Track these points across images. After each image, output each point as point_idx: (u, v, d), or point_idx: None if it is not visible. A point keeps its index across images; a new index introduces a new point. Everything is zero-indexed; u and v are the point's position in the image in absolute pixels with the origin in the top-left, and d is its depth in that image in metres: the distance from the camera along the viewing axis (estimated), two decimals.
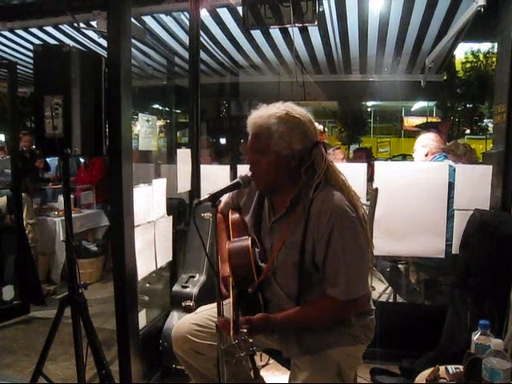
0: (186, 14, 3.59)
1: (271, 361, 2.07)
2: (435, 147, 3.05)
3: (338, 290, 1.38)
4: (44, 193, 5.00)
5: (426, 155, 3.07)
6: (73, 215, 2.10)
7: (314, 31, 4.41)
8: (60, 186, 4.54)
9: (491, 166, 2.50)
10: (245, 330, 1.33)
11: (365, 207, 2.16)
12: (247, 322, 1.38)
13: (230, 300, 1.48)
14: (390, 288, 3.37)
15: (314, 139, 1.46)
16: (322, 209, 1.39)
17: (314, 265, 1.43)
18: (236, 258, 1.50)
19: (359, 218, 1.41)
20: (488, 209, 2.46)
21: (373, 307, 1.60)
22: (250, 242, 1.52)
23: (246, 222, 1.65)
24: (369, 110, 18.35)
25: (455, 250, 2.51)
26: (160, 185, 2.54)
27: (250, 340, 1.32)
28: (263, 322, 1.42)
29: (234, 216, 1.68)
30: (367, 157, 5.07)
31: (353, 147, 15.77)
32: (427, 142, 3.08)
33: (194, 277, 2.52)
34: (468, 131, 13.86)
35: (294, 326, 1.48)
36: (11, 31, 4.31)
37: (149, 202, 2.38)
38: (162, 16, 3.97)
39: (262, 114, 1.46)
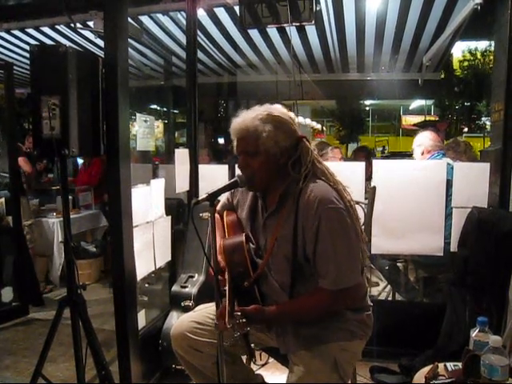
0: (182, 13, 3.58)
1: (271, 360, 2.07)
2: (430, 145, 3.07)
3: (327, 280, 1.40)
4: (42, 194, 4.98)
5: (422, 154, 3.10)
6: (71, 216, 2.10)
7: (311, 30, 4.41)
8: (58, 186, 4.54)
9: (489, 164, 2.50)
10: (239, 313, 1.37)
11: (363, 205, 2.17)
12: (241, 311, 1.41)
13: (226, 290, 1.49)
14: (388, 286, 3.38)
15: (298, 135, 1.53)
16: (309, 200, 1.42)
17: (305, 257, 1.45)
18: (231, 254, 1.52)
19: (346, 208, 1.44)
20: (486, 206, 2.47)
21: (370, 303, 1.61)
22: (243, 237, 1.54)
23: (241, 222, 1.66)
24: (367, 108, 18.38)
25: (453, 247, 2.51)
26: (158, 185, 2.54)
27: (244, 320, 1.35)
28: (257, 313, 1.44)
29: (229, 217, 1.69)
30: (368, 156, 5.05)
31: (351, 146, 15.81)
32: (422, 140, 3.11)
33: (193, 277, 2.52)
34: (466, 129, 13.87)
35: (288, 318, 1.50)
36: (7, 32, 4.30)
37: (147, 202, 2.38)
38: (159, 16, 3.97)
39: (245, 118, 1.50)
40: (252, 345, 1.54)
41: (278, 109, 1.52)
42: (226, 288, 1.49)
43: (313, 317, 1.49)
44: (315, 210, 1.40)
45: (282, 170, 1.50)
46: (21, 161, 3.97)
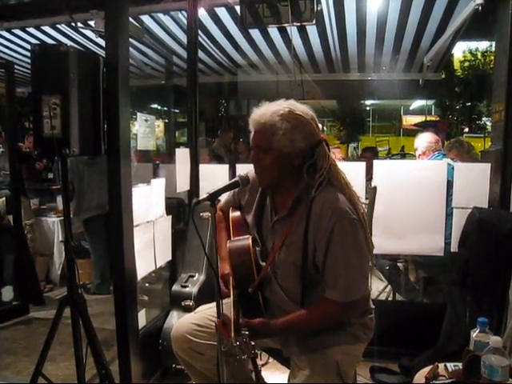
0: (183, 13, 3.58)
1: (271, 360, 2.07)
2: (425, 147, 3.11)
3: (337, 292, 1.38)
4: (42, 193, 4.99)
5: (419, 156, 3.13)
6: (72, 215, 2.10)
7: (312, 30, 4.40)
8: (58, 186, 4.54)
9: (490, 164, 2.50)
10: (246, 332, 1.32)
11: (364, 206, 2.17)
12: (247, 325, 1.38)
13: (231, 300, 1.48)
14: (389, 286, 3.38)
15: (317, 137, 1.46)
16: (322, 210, 1.38)
17: (315, 266, 1.43)
18: (236, 257, 1.50)
19: (360, 220, 1.41)
20: (486, 207, 2.47)
21: (372, 306, 1.60)
22: (250, 241, 1.52)
23: (246, 220, 1.64)
24: (367, 108, 18.34)
25: (454, 247, 2.51)
26: (159, 184, 2.54)
27: (252, 342, 1.32)
28: (263, 327, 1.41)
29: (234, 214, 1.67)
30: (374, 157, 5.05)
31: (351, 146, 15.81)
32: (417, 143, 3.19)
33: (193, 276, 2.52)
34: (466, 129, 13.87)
35: (295, 330, 1.48)
36: (8, 31, 4.30)
37: (148, 201, 2.38)
38: (160, 15, 3.97)
39: (265, 111, 1.45)
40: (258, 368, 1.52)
41: (300, 107, 1.46)
42: (231, 298, 1.47)
43: (320, 327, 1.47)
44: (328, 219, 1.36)
45: (296, 173, 1.45)
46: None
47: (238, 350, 1.32)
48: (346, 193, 1.44)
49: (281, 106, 1.45)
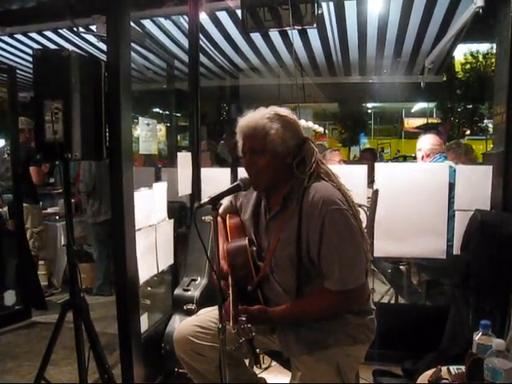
0: (185, 17, 3.59)
1: (273, 363, 2.07)
2: (429, 149, 3.10)
3: (331, 281, 1.41)
4: (44, 197, 5.00)
5: (422, 158, 3.12)
6: (74, 220, 2.11)
7: (313, 33, 4.41)
8: (61, 190, 4.55)
9: (491, 167, 2.50)
10: (243, 318, 1.38)
11: (365, 209, 2.17)
12: (245, 311, 1.43)
13: (230, 293, 1.50)
14: (391, 289, 3.37)
15: (303, 135, 1.55)
16: (313, 201, 1.42)
17: (310, 258, 1.45)
18: (234, 258, 1.53)
19: (350, 209, 1.44)
20: (489, 209, 2.46)
21: (373, 307, 1.60)
22: (246, 241, 1.55)
23: (244, 224, 1.67)
24: (369, 111, 18.36)
25: (456, 250, 2.51)
26: (161, 188, 2.54)
27: (249, 325, 1.37)
28: (261, 313, 1.45)
29: (232, 220, 1.70)
30: (373, 158, 5.03)
31: (353, 149, 15.84)
32: (422, 145, 3.16)
33: (195, 280, 2.52)
34: (468, 132, 13.86)
35: (292, 318, 1.49)
36: (11, 36, 4.32)
37: (150, 205, 2.38)
38: (162, 20, 3.98)
39: (252, 117, 1.52)
40: (257, 350, 1.54)
41: (283, 110, 1.55)
42: (230, 292, 1.49)
43: (316, 317, 1.49)
44: (319, 210, 1.40)
45: (287, 171, 1.51)
46: (33, 170, 3.95)
47: (237, 334, 1.39)
48: (335, 183, 1.49)
49: (265, 111, 1.53)
